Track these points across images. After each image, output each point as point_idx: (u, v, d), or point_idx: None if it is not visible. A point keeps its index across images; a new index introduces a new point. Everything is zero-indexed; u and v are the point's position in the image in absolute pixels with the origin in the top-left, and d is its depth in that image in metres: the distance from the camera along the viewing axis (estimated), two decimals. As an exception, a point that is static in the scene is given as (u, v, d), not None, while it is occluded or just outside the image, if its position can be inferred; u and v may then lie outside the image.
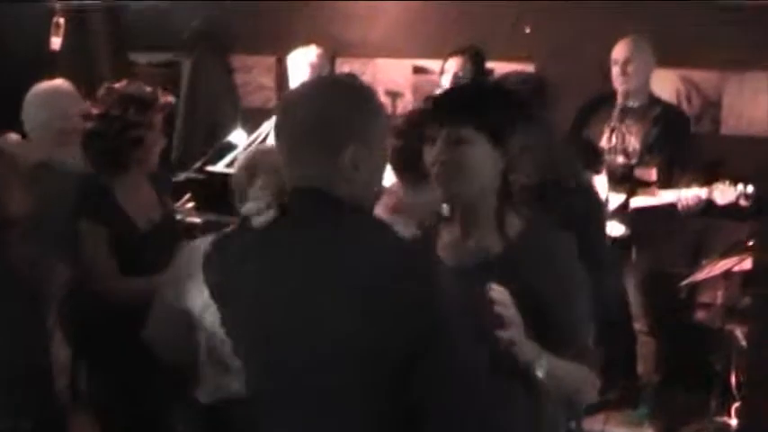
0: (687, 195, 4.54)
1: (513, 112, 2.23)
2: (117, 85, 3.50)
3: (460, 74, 4.95)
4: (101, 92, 3.49)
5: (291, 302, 1.87)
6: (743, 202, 4.42)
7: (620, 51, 4.80)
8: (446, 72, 5.00)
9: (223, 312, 2.06)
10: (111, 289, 3.35)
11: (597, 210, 3.24)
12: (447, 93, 2.44)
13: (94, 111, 3.45)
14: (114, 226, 3.38)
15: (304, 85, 2.11)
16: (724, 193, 4.45)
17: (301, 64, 4.99)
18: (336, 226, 1.89)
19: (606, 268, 2.99)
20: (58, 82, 4.09)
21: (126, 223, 3.43)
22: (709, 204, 4.56)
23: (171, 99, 3.59)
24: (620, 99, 4.79)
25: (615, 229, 4.62)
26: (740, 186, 4.42)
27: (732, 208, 4.51)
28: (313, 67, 4.97)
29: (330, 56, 5.11)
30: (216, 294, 2.07)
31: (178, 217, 4.03)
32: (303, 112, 1.93)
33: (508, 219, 2.21)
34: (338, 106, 1.93)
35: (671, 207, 4.59)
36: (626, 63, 4.75)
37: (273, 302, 1.90)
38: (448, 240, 2.27)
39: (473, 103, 2.20)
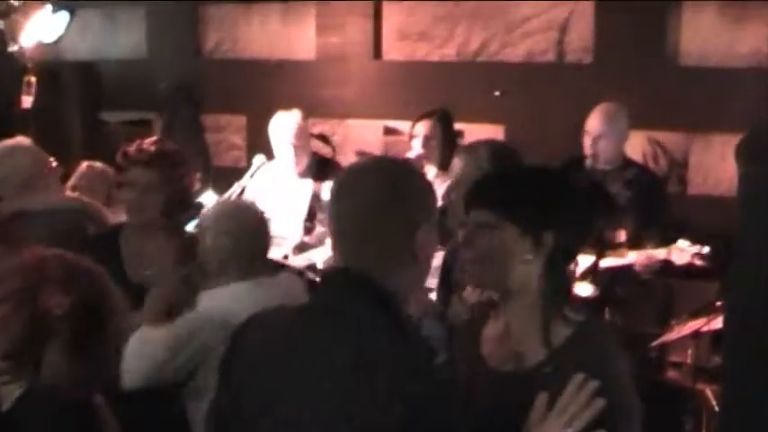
0: (644, 256, 4.58)
1: (546, 203, 2.06)
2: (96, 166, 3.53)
3: (430, 137, 4.99)
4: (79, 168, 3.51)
5: (293, 394, 1.80)
6: (698, 262, 4.45)
7: (593, 125, 4.74)
8: (416, 136, 5.04)
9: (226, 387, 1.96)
10: None
11: None
12: (477, 180, 2.23)
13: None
14: None
15: (359, 168, 2.06)
16: (681, 254, 4.48)
17: (284, 128, 5.01)
18: (369, 322, 1.81)
19: None
20: (19, 139, 4.15)
21: None
22: (669, 265, 4.59)
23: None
24: (590, 164, 4.81)
25: (584, 289, 4.63)
26: (696, 247, 4.45)
27: (690, 268, 4.53)
28: (296, 132, 4.98)
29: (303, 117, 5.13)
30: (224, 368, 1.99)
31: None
32: (369, 193, 1.87)
33: (554, 324, 2.01)
34: (406, 186, 1.88)
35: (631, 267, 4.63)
36: (598, 138, 4.73)
37: (279, 390, 1.82)
38: (492, 334, 2.12)
39: (499, 187, 2.11)
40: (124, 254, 3.42)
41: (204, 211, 3.20)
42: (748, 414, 1.48)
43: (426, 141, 4.97)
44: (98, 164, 4.82)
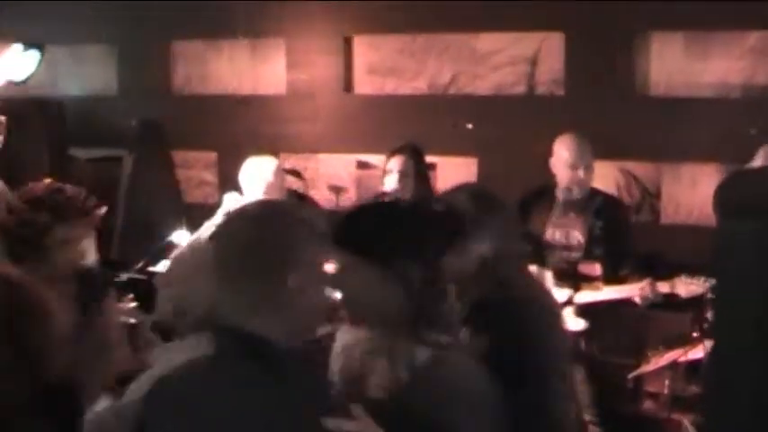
0: (647, 289, 4.56)
1: (397, 235, 2.09)
2: (38, 186, 3.41)
3: (405, 172, 4.99)
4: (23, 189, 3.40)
5: None
6: (705, 295, 4.44)
7: (577, 156, 4.74)
8: (390, 172, 5.03)
9: None
10: None
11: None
12: (332, 225, 2.24)
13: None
14: None
15: (242, 209, 2.08)
16: (689, 287, 4.47)
17: (253, 179, 4.96)
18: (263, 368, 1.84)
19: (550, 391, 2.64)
20: None
21: None
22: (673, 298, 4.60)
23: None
24: (563, 194, 4.82)
25: (575, 323, 4.63)
26: (702, 280, 4.44)
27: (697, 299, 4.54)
28: (267, 185, 4.94)
29: (274, 152, 5.10)
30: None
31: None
32: (241, 238, 1.91)
33: (419, 348, 2.04)
34: (271, 232, 1.91)
35: (616, 303, 4.63)
36: (586, 167, 4.75)
37: None
38: (353, 358, 2.14)
39: (350, 228, 2.14)
40: None
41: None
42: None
43: (400, 177, 4.98)
44: None
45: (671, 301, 4.57)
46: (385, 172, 5.07)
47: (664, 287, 4.53)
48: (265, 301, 1.87)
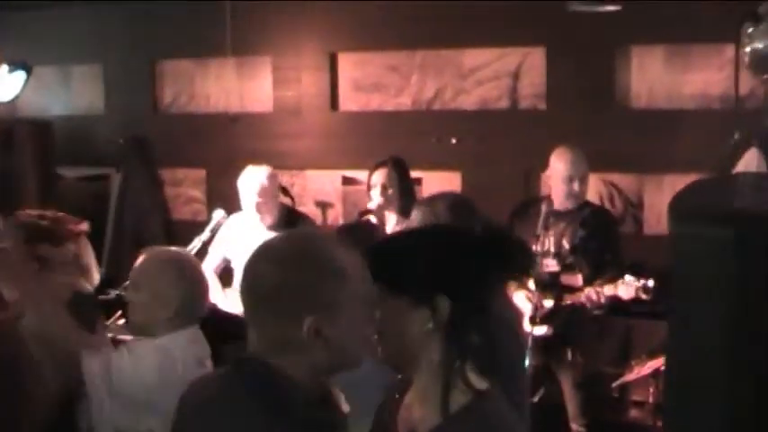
0: (592, 292, 4.65)
1: (430, 267, 1.94)
2: (27, 213, 3.48)
3: (388, 185, 5.04)
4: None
5: None
6: (643, 296, 4.51)
7: (570, 168, 4.80)
8: (374, 186, 5.08)
9: None
10: None
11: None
12: (372, 247, 2.10)
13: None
14: None
15: (267, 245, 1.97)
16: (627, 288, 4.56)
17: (250, 186, 5.03)
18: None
19: None
20: None
21: None
22: (617, 300, 4.66)
23: (84, 227, 3.55)
24: (547, 205, 4.88)
25: (538, 329, 4.68)
26: (641, 281, 4.51)
27: (637, 302, 4.60)
28: (264, 187, 5.01)
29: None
30: None
31: (110, 334, 3.97)
32: (259, 281, 1.89)
33: (455, 392, 1.92)
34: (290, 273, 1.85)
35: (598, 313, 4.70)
36: (581, 179, 4.81)
37: None
38: (406, 402, 2.05)
39: (381, 258, 1.98)
40: None
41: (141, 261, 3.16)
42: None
43: (384, 190, 5.02)
44: None
45: (617, 303, 4.65)
46: (369, 186, 5.11)
47: (609, 290, 4.61)
48: (286, 342, 1.85)
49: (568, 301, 4.70)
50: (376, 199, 5.00)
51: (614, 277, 4.62)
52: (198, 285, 3.03)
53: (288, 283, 1.82)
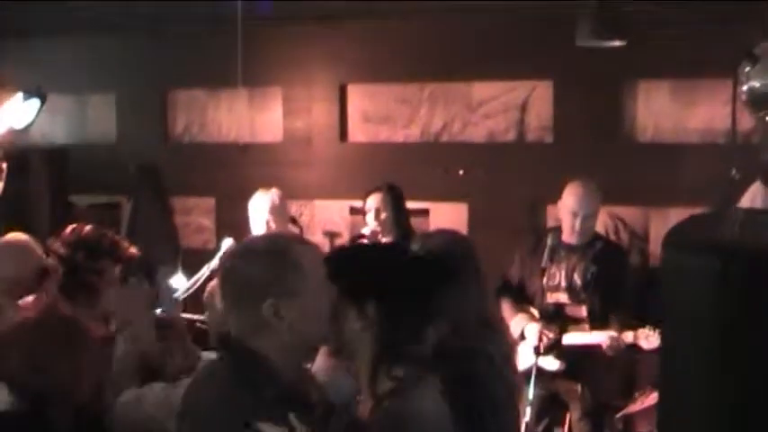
0: (613, 339, 4.67)
1: (365, 274, 2.33)
2: (77, 228, 3.59)
3: (382, 209, 5.10)
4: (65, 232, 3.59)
5: None
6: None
7: (582, 204, 4.83)
8: (369, 211, 5.15)
9: None
10: None
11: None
12: (330, 254, 2.61)
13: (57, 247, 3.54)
14: None
15: (241, 244, 2.40)
16: (649, 339, 4.59)
17: (262, 206, 5.09)
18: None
19: None
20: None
21: None
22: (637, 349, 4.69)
23: (134, 252, 3.66)
24: (566, 240, 4.90)
25: (549, 364, 4.73)
26: (658, 331, 4.54)
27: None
28: (272, 209, 5.07)
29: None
30: None
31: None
32: (227, 271, 2.26)
33: (381, 380, 2.28)
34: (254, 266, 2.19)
35: (599, 347, 4.72)
36: (588, 216, 4.84)
37: None
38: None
39: (335, 263, 2.32)
40: None
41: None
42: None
43: (377, 214, 5.08)
44: None
45: (637, 350, 4.68)
46: (364, 212, 5.18)
47: (627, 338, 4.64)
48: (256, 326, 2.15)
49: (586, 339, 4.72)
50: (371, 223, 5.06)
51: (629, 324, 4.66)
52: None
53: (254, 274, 2.15)
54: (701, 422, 1.43)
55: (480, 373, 2.75)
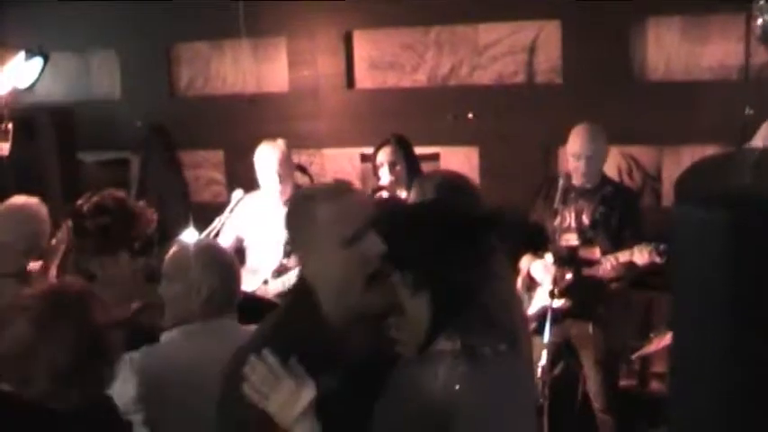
0: (608, 262, 4.68)
1: (398, 241, 2.15)
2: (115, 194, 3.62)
3: (396, 162, 5.07)
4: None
5: None
6: (657, 259, 4.52)
7: (580, 147, 4.81)
8: (381, 165, 5.11)
9: None
10: None
11: None
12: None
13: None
14: None
15: None
16: (641, 254, 4.57)
17: (268, 157, 5.06)
18: None
19: None
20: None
21: None
22: (632, 266, 4.67)
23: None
24: (575, 183, 4.89)
25: (556, 302, 4.70)
26: (653, 244, 4.52)
27: (653, 267, 4.60)
28: (280, 160, 5.04)
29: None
30: None
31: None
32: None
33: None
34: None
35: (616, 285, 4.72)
36: (588, 158, 4.82)
37: None
38: None
39: (382, 230, 2.18)
40: None
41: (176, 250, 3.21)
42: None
43: (392, 167, 5.05)
44: None
45: (634, 271, 4.66)
46: (376, 167, 5.14)
47: (624, 256, 4.63)
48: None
49: (587, 274, 4.72)
50: (385, 177, 5.03)
51: (629, 245, 4.65)
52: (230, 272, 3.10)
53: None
54: (713, 377, 1.41)
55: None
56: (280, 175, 5.00)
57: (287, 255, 4.71)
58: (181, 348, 2.92)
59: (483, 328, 2.07)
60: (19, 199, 4.13)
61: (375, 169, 5.15)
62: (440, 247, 2.08)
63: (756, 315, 1.35)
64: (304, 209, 2.24)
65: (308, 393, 2.04)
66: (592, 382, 4.99)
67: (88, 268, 3.64)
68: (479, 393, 2.00)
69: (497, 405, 2.02)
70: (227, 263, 3.10)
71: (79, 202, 3.64)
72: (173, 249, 3.16)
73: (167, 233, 5.82)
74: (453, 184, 3.26)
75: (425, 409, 2.00)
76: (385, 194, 4.95)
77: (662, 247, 4.47)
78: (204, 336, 2.94)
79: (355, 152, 6.61)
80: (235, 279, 3.09)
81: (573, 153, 4.85)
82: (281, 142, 5.12)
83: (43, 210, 4.09)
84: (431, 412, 1.98)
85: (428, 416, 1.99)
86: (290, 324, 2.26)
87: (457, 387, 1.99)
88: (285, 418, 2.03)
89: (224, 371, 2.20)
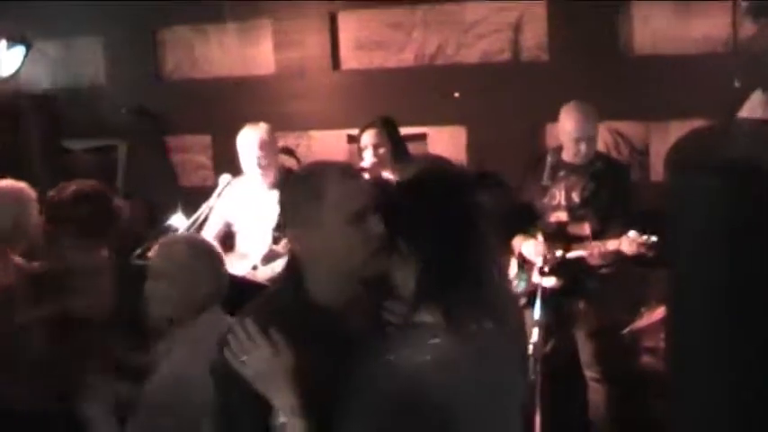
0: (596, 248, 4.68)
1: (395, 212, 2.17)
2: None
3: (379, 144, 5.05)
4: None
5: None
6: (646, 252, 4.53)
7: (580, 129, 4.80)
8: (365, 147, 5.09)
9: None
10: None
11: None
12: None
13: None
14: None
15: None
16: (630, 244, 4.58)
17: (251, 142, 5.04)
18: None
19: None
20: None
21: None
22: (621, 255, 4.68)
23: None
24: (567, 159, 4.89)
25: (547, 281, 4.71)
26: (644, 237, 4.53)
27: (640, 258, 4.62)
28: (261, 143, 5.01)
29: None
30: None
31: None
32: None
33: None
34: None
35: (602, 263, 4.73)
36: (589, 139, 4.81)
37: None
38: None
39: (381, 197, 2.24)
40: None
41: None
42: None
43: (376, 150, 5.04)
44: None
45: (621, 258, 4.67)
46: (361, 148, 5.13)
47: (613, 245, 4.63)
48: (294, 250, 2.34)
49: (575, 254, 4.73)
50: (368, 159, 5.02)
51: (619, 233, 4.65)
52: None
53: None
54: (710, 341, 1.41)
55: None
56: (261, 159, 4.99)
57: (275, 241, 4.70)
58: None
59: (469, 304, 2.09)
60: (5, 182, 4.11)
61: (360, 151, 5.14)
62: (431, 211, 2.12)
63: (754, 283, 1.35)
64: (310, 184, 2.25)
65: (285, 361, 2.10)
66: (584, 354, 5.01)
67: (64, 255, 3.63)
68: (450, 367, 2.00)
69: (468, 380, 2.02)
70: (215, 258, 3.10)
71: (52, 192, 3.63)
72: (158, 246, 3.15)
73: (156, 218, 5.83)
74: (438, 168, 3.24)
75: (392, 377, 2.00)
76: (366, 176, 4.94)
77: (653, 239, 4.47)
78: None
79: (342, 133, 6.58)
80: (222, 275, 3.09)
81: (571, 136, 4.83)
82: (263, 125, 5.10)
83: (27, 193, 4.05)
84: (398, 379, 1.99)
85: (394, 382, 1.99)
86: (277, 301, 2.31)
87: (428, 358, 2.00)
88: (263, 383, 2.11)
89: (218, 340, 2.25)
